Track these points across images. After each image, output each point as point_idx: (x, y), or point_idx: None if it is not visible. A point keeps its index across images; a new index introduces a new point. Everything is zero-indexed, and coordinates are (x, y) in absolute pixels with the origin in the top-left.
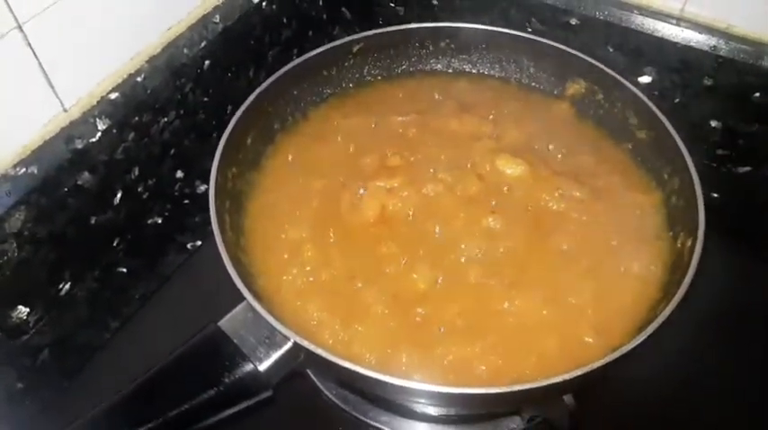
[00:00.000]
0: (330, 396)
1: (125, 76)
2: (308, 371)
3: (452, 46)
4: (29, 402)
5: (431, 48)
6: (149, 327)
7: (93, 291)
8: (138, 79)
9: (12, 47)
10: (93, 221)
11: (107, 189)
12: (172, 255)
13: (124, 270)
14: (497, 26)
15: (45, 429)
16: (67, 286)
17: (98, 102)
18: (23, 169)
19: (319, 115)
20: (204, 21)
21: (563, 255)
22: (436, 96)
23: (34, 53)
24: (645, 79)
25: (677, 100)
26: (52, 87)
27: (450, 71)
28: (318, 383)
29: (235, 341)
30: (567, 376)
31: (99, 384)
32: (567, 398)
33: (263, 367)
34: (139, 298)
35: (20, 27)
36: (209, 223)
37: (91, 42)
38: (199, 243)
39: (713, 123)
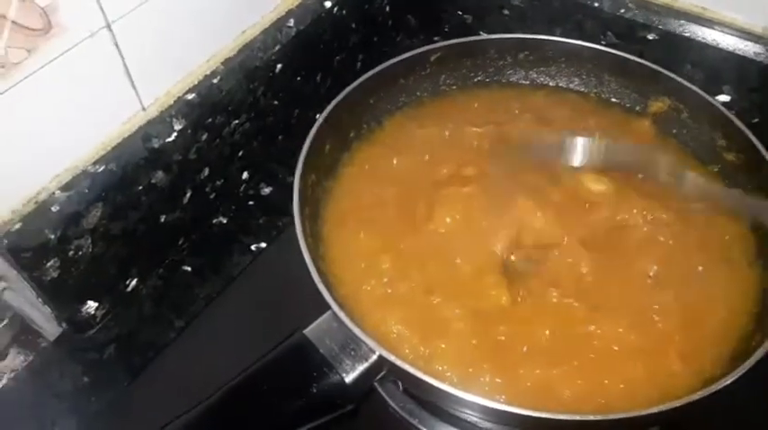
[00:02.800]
0: (397, 409)
1: (201, 77)
2: (376, 384)
3: (531, 58)
4: (94, 399)
5: (508, 59)
6: (215, 329)
7: (158, 288)
8: (214, 81)
9: (100, 45)
10: (162, 220)
11: (178, 188)
12: (236, 256)
13: (189, 269)
14: (571, 38)
15: (110, 428)
16: (134, 282)
17: (175, 101)
18: (103, 166)
19: (394, 124)
20: (278, 24)
21: (649, 278)
22: (514, 109)
23: (120, 52)
24: (723, 98)
25: (755, 120)
26: (134, 86)
27: (527, 83)
28: (386, 396)
29: (321, 351)
30: (663, 408)
31: (165, 383)
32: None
33: (349, 379)
34: (204, 297)
35: (108, 26)
36: (274, 226)
37: (171, 42)
38: (263, 245)
39: None
